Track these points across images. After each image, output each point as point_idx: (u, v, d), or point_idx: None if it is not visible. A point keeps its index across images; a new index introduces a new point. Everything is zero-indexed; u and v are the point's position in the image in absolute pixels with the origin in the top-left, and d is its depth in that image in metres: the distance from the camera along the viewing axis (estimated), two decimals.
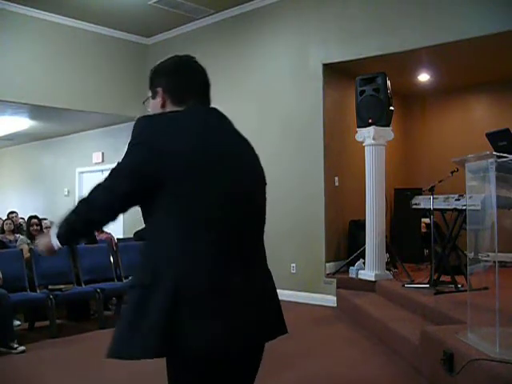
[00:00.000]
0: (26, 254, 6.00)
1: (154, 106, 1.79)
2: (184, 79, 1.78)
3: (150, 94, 1.82)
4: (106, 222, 1.69)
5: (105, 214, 1.65)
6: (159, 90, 1.76)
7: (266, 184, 1.80)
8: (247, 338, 1.58)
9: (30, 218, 6.86)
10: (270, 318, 1.69)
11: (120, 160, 1.64)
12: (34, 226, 6.69)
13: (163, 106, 1.76)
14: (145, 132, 1.60)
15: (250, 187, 1.70)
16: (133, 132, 1.63)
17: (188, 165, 1.54)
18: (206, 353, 1.50)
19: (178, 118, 1.67)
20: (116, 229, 9.10)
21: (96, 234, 7.46)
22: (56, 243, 1.69)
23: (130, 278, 1.59)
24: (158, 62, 1.85)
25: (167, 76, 1.78)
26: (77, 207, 1.66)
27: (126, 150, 1.63)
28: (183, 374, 1.58)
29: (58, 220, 1.73)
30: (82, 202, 1.65)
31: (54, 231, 1.70)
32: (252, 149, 1.81)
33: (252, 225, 1.68)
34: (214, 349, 1.50)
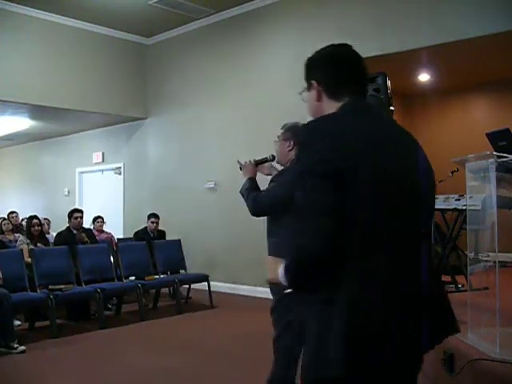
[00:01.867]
0: (26, 255, 6.00)
1: (309, 99, 1.70)
2: (339, 71, 1.69)
3: (305, 85, 1.72)
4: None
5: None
6: (313, 82, 1.67)
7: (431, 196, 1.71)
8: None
9: (31, 217, 6.82)
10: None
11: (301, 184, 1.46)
12: (35, 227, 6.67)
13: (319, 99, 1.67)
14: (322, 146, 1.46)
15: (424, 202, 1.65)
16: (306, 144, 1.49)
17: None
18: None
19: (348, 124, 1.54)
20: (116, 229, 9.11)
21: (96, 233, 7.46)
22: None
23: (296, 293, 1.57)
24: (315, 52, 1.76)
25: (321, 67, 1.71)
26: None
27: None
28: None
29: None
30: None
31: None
32: (418, 151, 1.66)
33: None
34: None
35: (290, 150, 3.08)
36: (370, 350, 1.40)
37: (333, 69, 1.69)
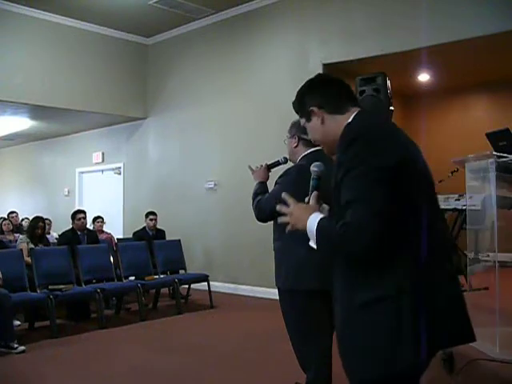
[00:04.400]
0: (26, 254, 6.00)
1: (314, 126, 1.80)
2: (331, 88, 1.84)
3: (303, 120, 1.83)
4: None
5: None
6: (313, 109, 1.78)
7: None
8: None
9: (37, 219, 6.73)
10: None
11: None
12: (39, 230, 6.62)
13: (322, 122, 1.78)
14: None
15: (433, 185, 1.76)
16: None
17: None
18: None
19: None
20: (116, 229, 9.11)
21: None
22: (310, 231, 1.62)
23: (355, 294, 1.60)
24: (298, 91, 1.88)
25: (315, 92, 1.83)
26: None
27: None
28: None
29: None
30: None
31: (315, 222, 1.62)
32: None
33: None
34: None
35: (296, 146, 3.04)
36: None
37: (325, 88, 1.82)
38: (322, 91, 1.80)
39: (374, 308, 1.53)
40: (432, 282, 1.54)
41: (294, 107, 1.89)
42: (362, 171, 1.50)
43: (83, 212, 6.95)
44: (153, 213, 7.67)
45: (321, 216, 1.62)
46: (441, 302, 1.54)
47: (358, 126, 1.64)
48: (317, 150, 3.02)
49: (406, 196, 1.52)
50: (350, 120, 1.70)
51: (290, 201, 1.71)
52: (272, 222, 3.03)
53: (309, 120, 1.80)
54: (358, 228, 1.49)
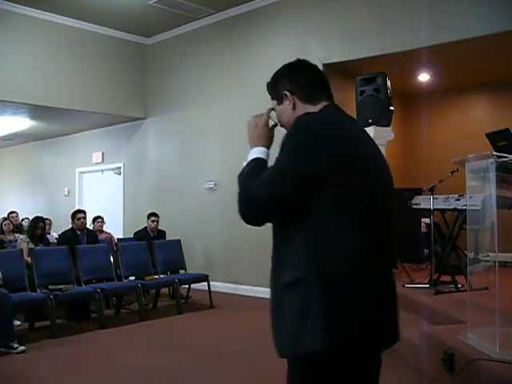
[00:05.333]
0: (26, 254, 6.00)
1: (284, 111, 1.79)
2: (309, 76, 1.79)
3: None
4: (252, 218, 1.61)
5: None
6: (286, 93, 1.75)
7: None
8: (380, 340, 1.61)
9: (37, 220, 6.75)
10: (390, 326, 1.65)
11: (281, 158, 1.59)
12: (39, 230, 6.62)
13: (294, 108, 1.75)
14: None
15: (389, 188, 1.71)
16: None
17: (348, 167, 1.56)
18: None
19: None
20: (116, 229, 9.11)
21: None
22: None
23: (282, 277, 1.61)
24: (274, 72, 1.83)
25: (291, 77, 1.78)
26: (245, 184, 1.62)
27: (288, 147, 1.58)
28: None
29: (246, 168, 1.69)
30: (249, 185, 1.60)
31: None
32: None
33: (391, 225, 1.68)
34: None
35: None
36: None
37: (302, 75, 1.77)
38: (299, 77, 1.76)
39: (291, 290, 1.54)
40: (360, 276, 1.53)
41: (267, 88, 1.84)
42: (294, 151, 1.56)
43: (83, 212, 6.95)
44: (155, 214, 7.66)
45: (265, 156, 1.72)
46: (364, 299, 1.52)
47: (314, 118, 1.64)
48: None
49: (332, 196, 1.53)
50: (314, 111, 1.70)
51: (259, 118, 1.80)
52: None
53: (280, 103, 1.77)
54: (261, 186, 1.55)
